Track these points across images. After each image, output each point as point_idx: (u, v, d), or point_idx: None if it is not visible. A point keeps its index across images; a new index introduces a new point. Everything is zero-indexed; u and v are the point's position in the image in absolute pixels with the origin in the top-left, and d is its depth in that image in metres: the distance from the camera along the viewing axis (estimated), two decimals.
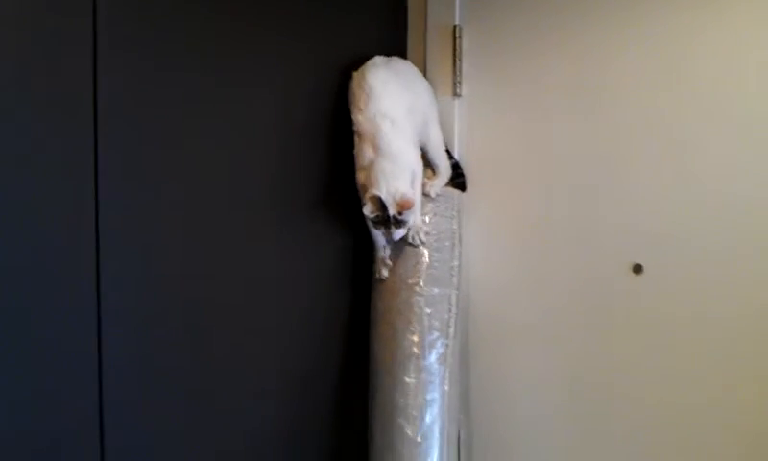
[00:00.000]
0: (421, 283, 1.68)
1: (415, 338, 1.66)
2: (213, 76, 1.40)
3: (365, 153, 1.60)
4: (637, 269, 1.66)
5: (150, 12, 1.28)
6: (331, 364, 1.72)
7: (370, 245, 1.73)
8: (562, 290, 1.78)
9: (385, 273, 1.69)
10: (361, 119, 1.62)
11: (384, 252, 1.70)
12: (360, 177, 1.62)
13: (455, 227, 1.77)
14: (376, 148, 1.59)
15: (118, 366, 1.22)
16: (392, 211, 1.56)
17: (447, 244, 1.74)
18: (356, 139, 1.63)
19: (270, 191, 1.55)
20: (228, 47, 1.44)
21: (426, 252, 1.69)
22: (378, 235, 1.67)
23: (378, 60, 1.71)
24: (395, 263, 1.70)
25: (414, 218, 1.63)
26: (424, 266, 1.69)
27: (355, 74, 1.68)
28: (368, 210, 1.56)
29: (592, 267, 1.74)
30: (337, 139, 1.68)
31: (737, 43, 1.58)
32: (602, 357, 1.73)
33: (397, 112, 1.63)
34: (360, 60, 1.72)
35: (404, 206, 1.56)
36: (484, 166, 1.85)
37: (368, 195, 1.56)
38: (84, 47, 1.16)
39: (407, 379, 1.64)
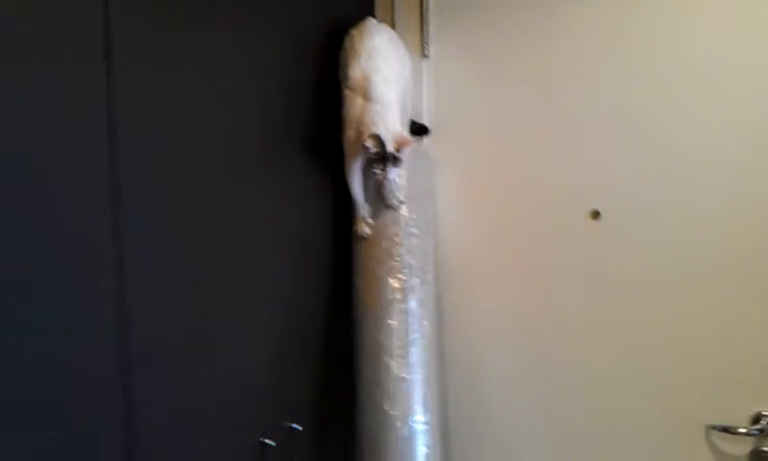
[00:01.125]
0: (401, 234, 1.81)
1: (396, 284, 1.80)
2: (209, 38, 1.48)
3: (356, 104, 1.72)
4: (595, 215, 1.82)
5: None
6: (319, 309, 1.85)
7: (350, 202, 1.85)
8: (525, 235, 1.93)
9: (367, 231, 1.82)
10: (357, 75, 1.72)
11: (365, 210, 1.82)
12: (350, 134, 1.73)
13: (429, 182, 1.91)
14: (369, 97, 1.70)
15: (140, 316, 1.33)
16: (390, 148, 1.67)
17: (423, 197, 1.88)
18: (347, 93, 1.73)
19: (260, 152, 1.64)
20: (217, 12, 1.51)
21: (404, 205, 1.82)
22: (359, 195, 1.79)
23: (375, 22, 1.82)
24: (376, 216, 1.82)
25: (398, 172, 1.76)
26: (403, 218, 1.82)
27: (354, 33, 1.78)
28: (370, 144, 1.67)
29: (553, 213, 1.88)
30: (319, 94, 1.80)
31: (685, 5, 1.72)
32: (562, 297, 1.89)
33: (391, 75, 1.76)
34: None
35: (402, 143, 1.69)
36: (451, 122, 1.97)
37: (367, 133, 1.67)
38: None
39: (391, 322, 1.78)
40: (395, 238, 1.81)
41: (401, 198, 1.82)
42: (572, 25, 1.84)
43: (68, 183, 1.18)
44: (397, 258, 1.81)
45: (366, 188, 1.82)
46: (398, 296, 1.80)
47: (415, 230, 1.84)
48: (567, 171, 1.87)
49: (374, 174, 1.75)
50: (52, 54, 1.15)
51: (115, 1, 1.24)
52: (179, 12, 1.41)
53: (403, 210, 1.82)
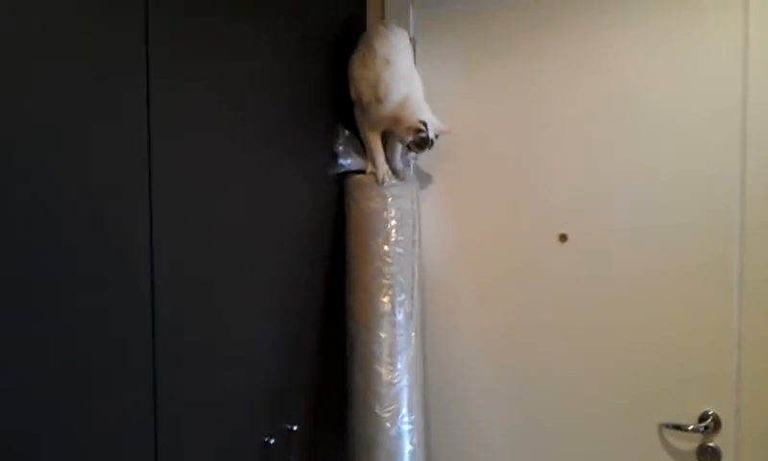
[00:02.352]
0: (391, 254, 2.01)
1: (386, 300, 1.99)
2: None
3: (400, 89, 1.99)
4: (563, 238, 2.04)
5: None
6: (315, 322, 2.02)
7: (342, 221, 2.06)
8: (500, 257, 2.13)
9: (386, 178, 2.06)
10: (404, 64, 2.02)
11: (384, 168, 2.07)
12: (387, 108, 1.99)
13: (415, 207, 2.11)
14: (413, 86, 2.01)
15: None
16: (432, 133, 1.96)
17: (410, 221, 2.07)
18: (386, 75, 1.98)
19: (265, 165, 1.79)
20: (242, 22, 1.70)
21: (393, 229, 2.02)
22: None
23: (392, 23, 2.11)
24: (367, 237, 2.02)
25: None
26: (392, 239, 2.02)
27: (383, 29, 2.05)
28: (422, 127, 1.95)
29: (526, 236, 2.09)
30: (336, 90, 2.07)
31: (640, 51, 1.94)
32: (534, 310, 2.09)
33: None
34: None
35: (442, 131, 2.01)
36: (435, 155, 2.10)
37: (417, 119, 1.96)
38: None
39: (382, 334, 1.98)
40: (386, 258, 2.01)
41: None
42: (544, 69, 2.05)
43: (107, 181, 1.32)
44: (388, 277, 2.00)
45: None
46: (388, 310, 2.00)
47: (401, 250, 2.03)
48: (539, 199, 2.07)
49: (409, 150, 2.03)
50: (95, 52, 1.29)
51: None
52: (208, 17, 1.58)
53: (393, 232, 2.02)
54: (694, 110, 1.90)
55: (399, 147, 2.10)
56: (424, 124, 1.95)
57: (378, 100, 1.98)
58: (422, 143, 1.98)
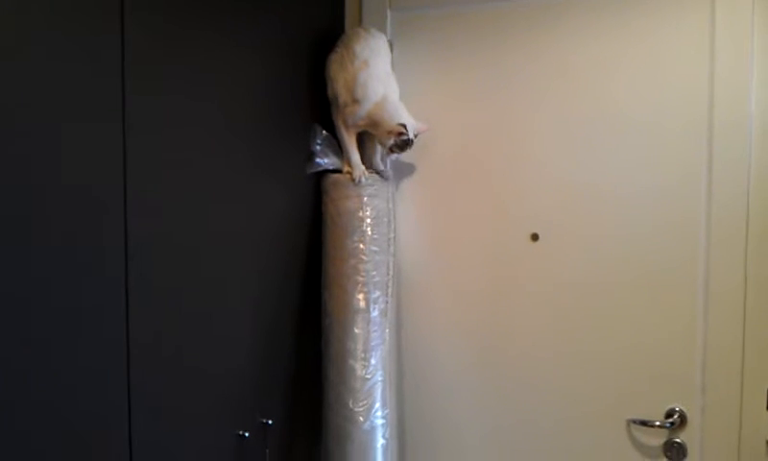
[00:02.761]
0: (366, 252, 2.04)
1: (361, 297, 2.03)
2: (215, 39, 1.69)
3: (377, 90, 2.02)
4: (535, 237, 2.08)
5: None
6: (291, 317, 2.04)
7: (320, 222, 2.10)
8: (473, 255, 2.17)
9: (362, 177, 2.08)
10: (382, 67, 2.05)
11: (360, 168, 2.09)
12: (364, 109, 2.02)
13: (390, 206, 2.14)
14: (391, 89, 2.05)
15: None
16: (412, 134, 2.01)
17: (385, 220, 2.11)
18: (363, 76, 2.01)
19: (240, 170, 1.81)
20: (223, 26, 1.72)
21: (369, 228, 2.06)
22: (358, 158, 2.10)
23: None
24: (343, 236, 2.05)
25: None
26: (367, 238, 2.05)
27: (365, 34, 2.08)
28: (402, 130, 2.00)
29: (498, 235, 2.12)
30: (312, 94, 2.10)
31: (610, 56, 1.99)
32: (506, 308, 2.13)
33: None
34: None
35: (421, 130, 2.06)
36: (410, 157, 2.16)
37: (397, 122, 2.00)
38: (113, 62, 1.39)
39: (356, 330, 2.01)
40: (361, 256, 2.04)
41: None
42: (518, 72, 2.09)
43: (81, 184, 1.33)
44: (363, 274, 2.04)
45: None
46: (363, 306, 2.03)
47: (376, 249, 2.07)
48: (512, 199, 2.11)
49: (391, 152, 2.07)
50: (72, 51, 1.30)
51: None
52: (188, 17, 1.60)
53: (368, 231, 2.06)
54: (662, 117, 1.95)
55: (378, 147, 2.14)
56: (404, 126, 2.00)
57: (355, 101, 2.02)
58: (404, 145, 2.03)
